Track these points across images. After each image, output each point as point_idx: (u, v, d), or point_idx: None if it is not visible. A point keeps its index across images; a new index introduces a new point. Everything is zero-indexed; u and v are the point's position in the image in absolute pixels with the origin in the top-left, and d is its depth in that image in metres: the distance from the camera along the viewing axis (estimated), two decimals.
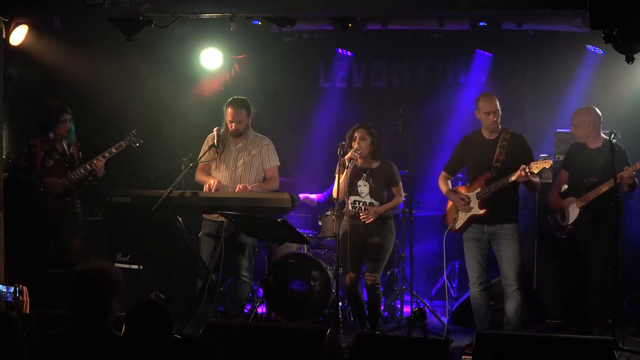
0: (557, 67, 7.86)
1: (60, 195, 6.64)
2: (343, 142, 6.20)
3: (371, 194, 6.27)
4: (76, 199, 6.76)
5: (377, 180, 6.28)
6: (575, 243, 6.34)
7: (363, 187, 6.29)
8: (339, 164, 6.08)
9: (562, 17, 7.19)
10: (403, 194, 6.43)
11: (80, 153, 6.82)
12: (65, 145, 6.76)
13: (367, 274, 6.29)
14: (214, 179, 6.35)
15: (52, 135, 6.69)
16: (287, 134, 7.84)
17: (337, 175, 6.14)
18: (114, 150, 6.65)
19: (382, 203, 6.30)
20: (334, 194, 6.23)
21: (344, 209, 6.34)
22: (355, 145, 6.20)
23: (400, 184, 6.38)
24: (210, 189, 6.30)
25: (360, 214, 6.22)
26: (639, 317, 6.83)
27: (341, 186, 6.14)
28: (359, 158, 6.22)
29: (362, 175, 6.30)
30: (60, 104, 6.77)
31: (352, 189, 6.27)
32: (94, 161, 6.62)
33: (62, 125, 6.71)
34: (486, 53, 8.19)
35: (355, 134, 6.25)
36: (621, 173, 5.94)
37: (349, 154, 6.15)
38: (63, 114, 6.71)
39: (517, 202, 6.13)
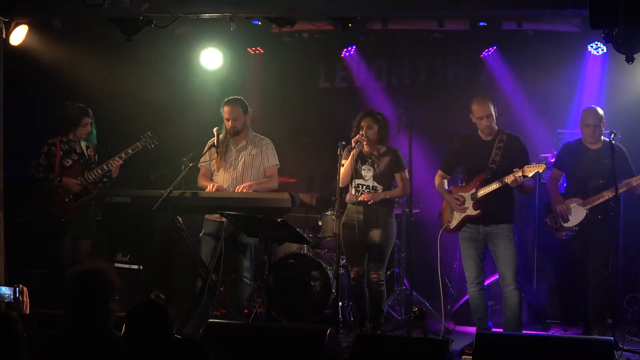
0: (557, 66, 7.84)
1: (77, 195, 6.64)
2: (343, 142, 6.21)
3: (375, 178, 6.29)
4: (92, 200, 6.75)
5: (382, 165, 6.30)
6: (575, 243, 6.33)
7: (367, 171, 6.31)
8: (345, 150, 6.08)
9: (562, 17, 7.19)
10: (408, 184, 6.34)
11: (97, 156, 6.82)
12: (83, 147, 6.76)
13: (371, 272, 6.31)
14: (213, 183, 6.37)
15: (72, 136, 6.70)
16: (287, 134, 7.83)
17: (342, 160, 6.12)
18: (130, 151, 6.65)
19: (386, 189, 6.31)
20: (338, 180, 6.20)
21: (347, 196, 6.33)
22: (362, 133, 6.22)
23: (406, 172, 6.35)
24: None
25: (362, 195, 6.20)
26: (639, 317, 6.83)
27: (346, 170, 6.15)
28: (366, 145, 6.25)
29: (368, 160, 6.33)
30: (83, 107, 6.74)
31: (356, 172, 6.29)
32: (111, 162, 6.62)
33: (83, 128, 6.70)
34: (488, 52, 8.18)
35: (362, 123, 6.27)
36: (630, 180, 5.99)
37: (356, 137, 6.18)
38: (84, 117, 6.70)
39: (513, 203, 6.10)
